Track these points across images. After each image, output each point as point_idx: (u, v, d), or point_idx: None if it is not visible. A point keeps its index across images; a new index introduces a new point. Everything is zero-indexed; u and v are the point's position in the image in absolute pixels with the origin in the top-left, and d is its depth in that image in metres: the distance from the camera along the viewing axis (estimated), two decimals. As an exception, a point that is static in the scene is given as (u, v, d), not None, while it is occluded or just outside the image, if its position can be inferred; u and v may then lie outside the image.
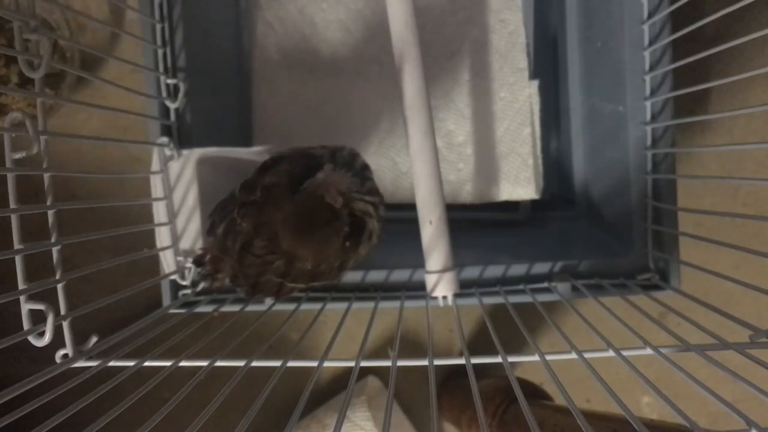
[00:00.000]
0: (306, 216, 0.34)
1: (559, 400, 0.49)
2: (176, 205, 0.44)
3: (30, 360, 0.31)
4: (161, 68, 0.44)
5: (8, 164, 0.29)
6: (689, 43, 0.42)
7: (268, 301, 0.42)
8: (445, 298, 0.41)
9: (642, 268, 0.44)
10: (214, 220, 0.39)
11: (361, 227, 0.37)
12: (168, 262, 0.44)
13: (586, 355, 0.29)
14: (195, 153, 0.44)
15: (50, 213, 0.31)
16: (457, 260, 0.41)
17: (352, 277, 0.44)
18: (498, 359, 0.30)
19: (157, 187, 0.44)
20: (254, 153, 0.44)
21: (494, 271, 0.44)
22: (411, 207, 0.43)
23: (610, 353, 0.30)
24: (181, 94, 0.45)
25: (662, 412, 0.60)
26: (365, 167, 0.39)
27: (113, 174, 0.59)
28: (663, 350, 0.29)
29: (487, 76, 0.55)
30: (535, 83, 0.55)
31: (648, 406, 0.62)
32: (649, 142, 0.44)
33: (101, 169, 0.62)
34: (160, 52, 0.44)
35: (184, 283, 0.44)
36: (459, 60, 0.55)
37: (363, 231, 0.37)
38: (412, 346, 0.62)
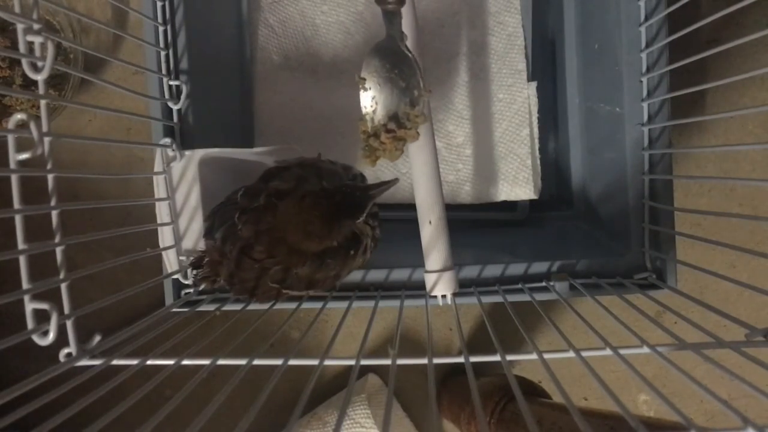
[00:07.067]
0: (333, 204, 0.35)
1: (557, 398, 0.50)
2: (179, 205, 0.45)
3: (34, 359, 0.32)
4: (164, 70, 0.44)
5: (12, 165, 0.29)
6: (686, 45, 0.42)
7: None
8: (444, 297, 0.41)
9: (639, 267, 0.45)
10: (212, 223, 0.39)
11: (358, 241, 0.38)
12: (171, 261, 0.45)
13: (584, 354, 0.30)
14: (197, 153, 0.44)
15: (54, 213, 0.31)
16: (456, 260, 0.42)
17: (352, 276, 0.44)
18: (497, 358, 0.30)
19: (160, 187, 0.45)
20: (256, 153, 0.44)
21: (493, 270, 0.45)
22: (410, 207, 0.43)
23: (608, 352, 0.30)
24: (183, 96, 0.45)
25: (659, 410, 0.61)
26: None
27: (117, 174, 0.59)
28: (660, 349, 0.30)
29: (486, 78, 0.55)
30: (533, 85, 0.55)
31: (645, 404, 0.62)
32: (646, 143, 0.44)
33: (105, 170, 0.62)
34: (162, 54, 0.44)
35: (186, 282, 0.45)
36: (458, 62, 0.55)
37: (360, 244, 0.38)
38: (412, 344, 0.62)
